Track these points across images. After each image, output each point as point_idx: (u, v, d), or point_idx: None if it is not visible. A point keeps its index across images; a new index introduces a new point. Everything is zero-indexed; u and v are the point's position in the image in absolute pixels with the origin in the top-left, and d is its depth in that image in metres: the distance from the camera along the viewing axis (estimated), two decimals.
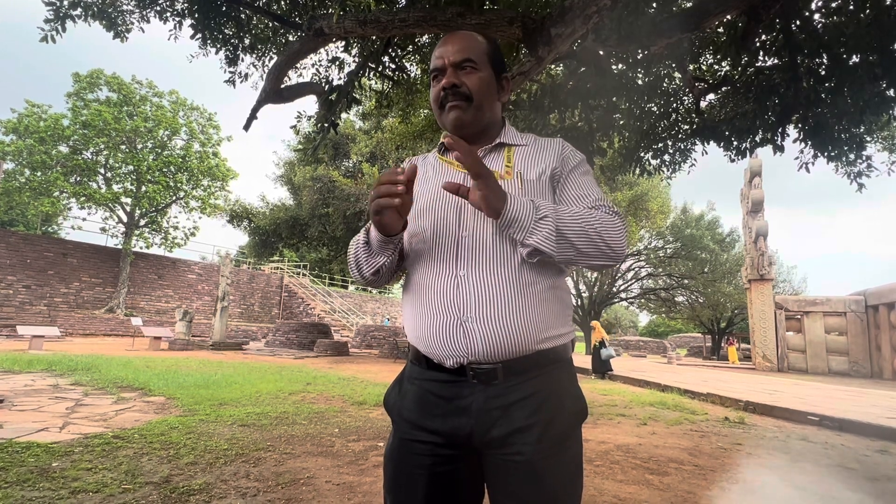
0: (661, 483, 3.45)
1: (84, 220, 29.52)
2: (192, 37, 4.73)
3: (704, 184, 34.41)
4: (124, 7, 4.79)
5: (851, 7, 4.63)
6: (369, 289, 38.43)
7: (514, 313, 0.98)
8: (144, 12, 4.84)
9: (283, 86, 4.78)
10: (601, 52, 4.49)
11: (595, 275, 33.88)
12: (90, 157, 22.21)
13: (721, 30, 5.40)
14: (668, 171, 6.84)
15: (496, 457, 0.99)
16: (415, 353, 1.11)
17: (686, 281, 30.05)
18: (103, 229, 23.16)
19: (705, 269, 28.45)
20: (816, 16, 4.97)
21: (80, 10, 4.39)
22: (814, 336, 18.14)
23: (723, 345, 29.33)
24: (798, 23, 4.72)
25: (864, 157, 5.57)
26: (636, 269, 34.15)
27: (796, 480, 3.68)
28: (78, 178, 21.86)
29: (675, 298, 32.53)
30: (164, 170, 23.31)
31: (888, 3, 4.31)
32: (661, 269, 32.05)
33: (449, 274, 1.02)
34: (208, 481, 2.98)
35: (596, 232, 0.98)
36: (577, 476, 1.02)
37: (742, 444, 4.90)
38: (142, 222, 23.82)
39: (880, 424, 5.67)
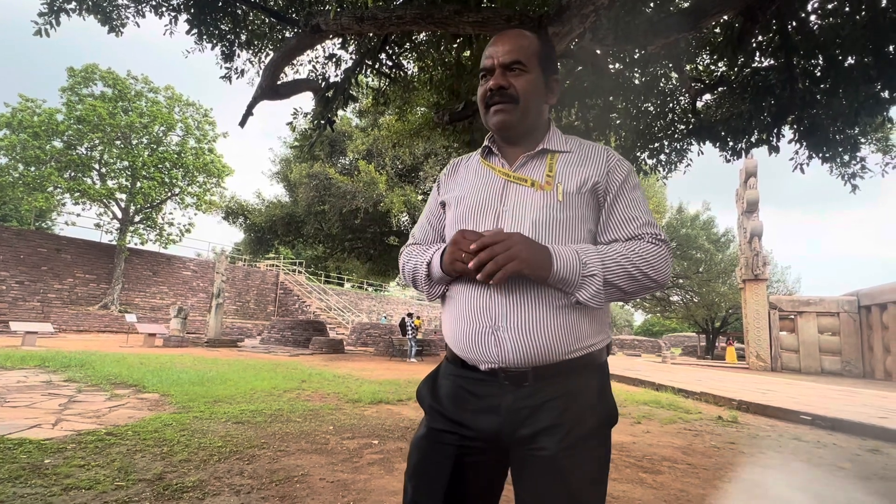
0: (655, 481, 3.47)
1: (78, 215, 29.34)
2: (188, 32, 4.70)
3: (700, 184, 34.55)
4: (119, 1, 4.75)
5: (847, 9, 4.65)
6: (365, 286, 38.38)
7: (544, 325, 1.01)
8: (140, 6, 4.80)
9: (279, 82, 4.75)
10: (598, 52, 4.49)
11: None
12: (85, 152, 22.08)
13: (718, 30, 5.42)
14: (664, 170, 6.85)
15: (522, 453, 1.03)
16: (450, 354, 1.15)
17: (681, 280, 30.16)
18: (98, 225, 23.03)
19: (700, 269, 28.56)
20: (812, 17, 4.99)
21: (74, 3, 4.36)
22: (807, 336, 18.25)
23: (723, 344, 29.47)
24: (794, 24, 4.74)
25: (858, 159, 5.60)
26: None
27: (788, 479, 3.70)
28: (72, 174, 21.73)
29: (670, 298, 32.65)
30: (160, 166, 23.20)
31: (884, 5, 4.34)
32: None
33: (484, 284, 1.03)
34: (202, 478, 2.97)
35: (640, 271, 1.01)
36: (600, 477, 1.04)
37: (735, 442, 4.93)
38: (137, 218, 23.71)
39: (872, 424, 5.71)
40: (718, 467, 3.95)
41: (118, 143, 22.50)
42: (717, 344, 30.29)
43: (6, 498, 2.49)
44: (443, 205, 1.23)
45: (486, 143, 1.20)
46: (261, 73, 4.92)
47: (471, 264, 0.96)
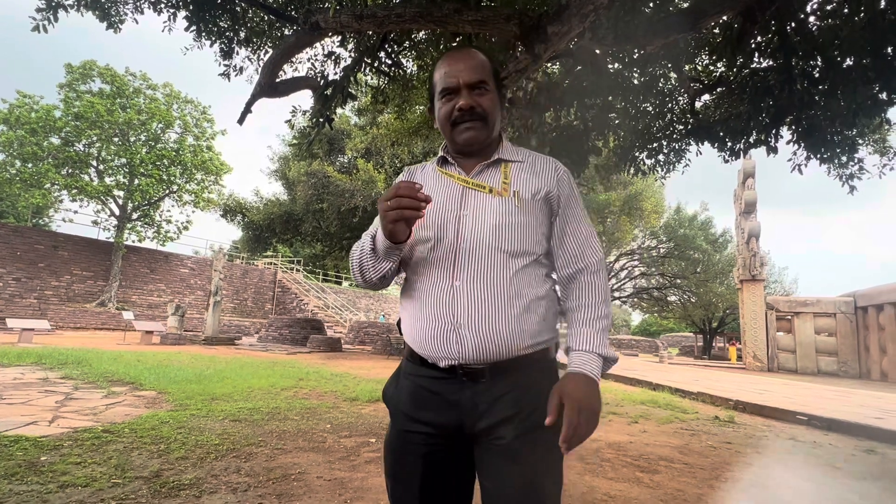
0: (651, 481, 3.48)
1: (76, 212, 29.29)
2: (187, 29, 4.68)
3: (698, 184, 34.58)
4: None
5: (846, 10, 4.66)
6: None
7: (502, 322, 1.07)
8: (138, 3, 4.79)
9: (278, 80, 4.74)
10: (598, 51, 4.49)
11: None
12: (82, 149, 22.00)
13: (717, 31, 5.42)
14: (662, 170, 6.86)
15: (483, 444, 1.09)
16: (410, 352, 1.19)
17: (678, 281, 30.23)
18: (95, 222, 22.99)
19: (698, 269, 28.61)
20: (811, 18, 4.99)
21: None
22: (804, 337, 18.32)
23: (721, 344, 29.54)
24: (793, 25, 4.74)
25: (855, 160, 5.61)
26: (629, 268, 34.28)
27: (784, 479, 3.72)
28: (70, 171, 21.66)
29: (668, 298, 32.72)
30: (158, 163, 23.14)
31: (882, 6, 4.34)
32: (653, 269, 32.22)
33: (446, 283, 1.10)
34: (199, 476, 2.97)
35: (607, 310, 1.16)
36: (555, 461, 1.09)
37: (731, 442, 4.94)
38: (134, 216, 23.66)
39: (868, 424, 5.74)
40: (715, 467, 3.96)
41: (116, 139, 22.43)
42: (714, 344, 30.35)
43: (2, 495, 2.48)
44: None
45: (441, 153, 1.26)
46: (259, 70, 4.91)
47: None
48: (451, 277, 1.10)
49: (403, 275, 1.25)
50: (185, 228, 25.02)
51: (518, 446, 1.05)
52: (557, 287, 1.22)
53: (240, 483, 2.92)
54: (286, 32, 5.52)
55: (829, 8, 4.87)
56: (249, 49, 5.67)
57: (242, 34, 5.52)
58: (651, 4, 3.58)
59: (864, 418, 6.15)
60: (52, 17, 4.29)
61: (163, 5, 4.84)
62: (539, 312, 1.12)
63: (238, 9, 5.11)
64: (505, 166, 1.20)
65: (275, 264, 31.88)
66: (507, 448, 1.05)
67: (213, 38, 5.08)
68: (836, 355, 17.74)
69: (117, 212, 23.12)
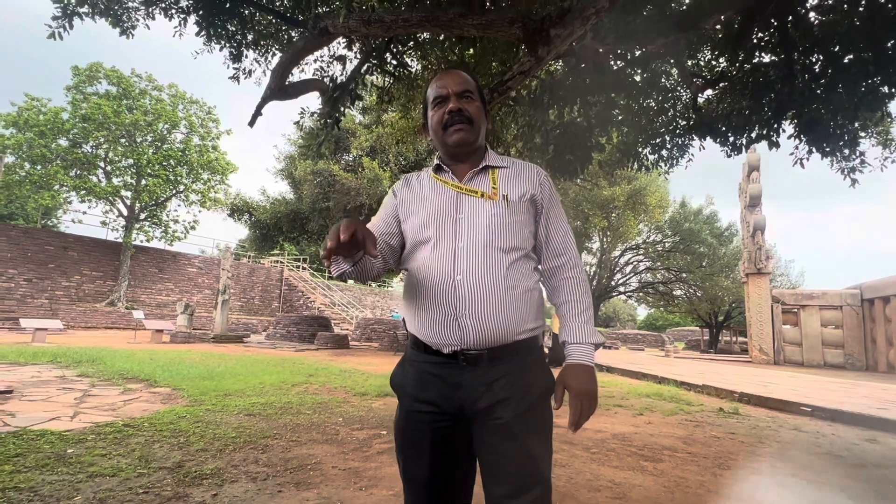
0: (656, 469, 3.58)
1: (84, 213, 29.54)
2: (198, 34, 4.79)
3: (703, 178, 34.51)
4: (130, 4, 4.85)
5: (846, 5, 4.71)
6: (369, 282, 38.54)
7: (499, 311, 1.22)
8: (150, 9, 4.90)
9: (287, 83, 4.85)
10: (600, 50, 4.57)
11: (594, 269, 34.03)
12: (90, 150, 22.22)
13: (718, 27, 5.47)
14: (665, 166, 6.92)
15: (482, 422, 1.23)
16: (414, 340, 1.34)
17: (684, 275, 30.19)
18: (104, 223, 23.23)
19: (703, 263, 28.57)
20: (811, 14, 5.04)
21: (87, 7, 4.46)
22: (810, 329, 18.30)
23: (727, 338, 29.47)
24: (792, 20, 4.80)
25: (858, 153, 5.66)
26: (634, 262, 34.30)
27: (786, 467, 3.80)
28: (78, 172, 21.90)
29: (674, 292, 32.68)
30: (164, 163, 23.33)
31: (882, 1, 4.39)
32: (659, 263, 32.21)
33: (447, 278, 1.24)
34: (219, 466, 3.10)
35: (589, 300, 1.34)
36: (547, 435, 1.27)
37: (735, 433, 5.03)
38: (142, 216, 23.87)
39: (871, 415, 5.80)
40: (718, 456, 4.05)
41: (123, 141, 22.63)
42: (720, 338, 30.30)
43: (36, 484, 2.62)
44: (396, 215, 1.40)
45: (436, 161, 1.42)
46: (269, 74, 5.01)
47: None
48: (452, 272, 1.23)
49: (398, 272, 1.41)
50: (192, 228, 25.23)
51: (515, 425, 1.19)
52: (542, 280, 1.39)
53: (258, 472, 3.04)
54: (294, 35, 5.63)
55: (828, 3, 4.91)
56: (258, 52, 5.78)
57: (251, 37, 5.63)
58: (651, 6, 3.65)
59: (867, 409, 6.21)
60: (67, 25, 4.41)
61: (174, 10, 4.95)
62: (531, 302, 1.27)
63: (246, 13, 5.21)
64: (493, 172, 1.36)
65: (281, 262, 32.09)
66: (505, 427, 1.19)
67: (223, 42, 5.19)
68: (842, 347, 17.72)
69: (125, 212, 23.35)
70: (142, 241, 23.69)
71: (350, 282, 37.05)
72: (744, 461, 3.94)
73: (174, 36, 5.05)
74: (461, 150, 1.36)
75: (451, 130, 1.33)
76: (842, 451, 4.37)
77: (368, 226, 1.35)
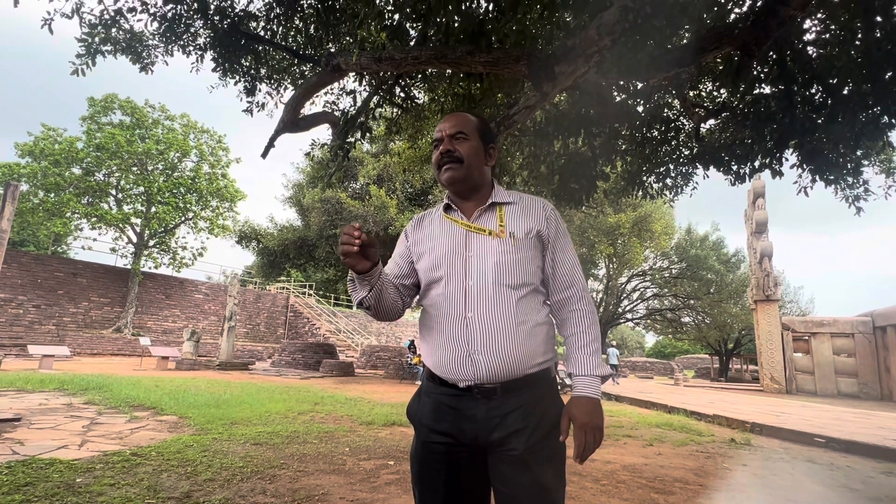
0: (667, 501, 3.52)
1: (95, 240, 30.00)
2: (214, 69, 4.98)
3: (709, 204, 34.58)
4: (150, 42, 5.06)
5: (842, 40, 4.83)
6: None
7: (510, 347, 1.27)
8: (169, 46, 5.11)
9: (299, 117, 5.01)
10: (603, 84, 4.69)
11: (600, 295, 33.85)
12: (102, 178, 22.66)
13: (718, 59, 5.61)
14: (670, 193, 7.00)
15: (496, 453, 1.27)
16: (430, 374, 1.39)
17: (692, 301, 29.93)
18: (113, 249, 23.49)
19: (711, 290, 28.34)
20: (809, 48, 5.17)
21: (109, 45, 4.66)
22: (822, 357, 18.01)
23: (737, 366, 28.96)
24: (791, 55, 4.92)
25: (861, 181, 5.71)
26: (641, 289, 34.09)
27: (801, 500, 3.73)
28: (90, 199, 22.28)
29: (682, 319, 32.33)
30: (174, 191, 23.72)
31: (878, 35, 4.51)
32: (666, 290, 31.97)
33: (459, 316, 1.30)
34: (227, 497, 3.08)
35: (596, 333, 1.36)
36: (560, 465, 1.30)
37: (748, 464, 4.94)
38: (151, 242, 24.14)
39: (887, 446, 5.69)
40: (731, 489, 3.98)
41: (135, 169, 23.08)
42: (731, 366, 29.82)
43: None
44: (409, 256, 1.48)
45: (445, 200, 1.48)
46: (282, 108, 5.17)
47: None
48: (464, 310, 1.29)
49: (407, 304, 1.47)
50: (200, 255, 25.43)
51: (528, 457, 1.23)
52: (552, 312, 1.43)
53: (266, 503, 3.02)
54: (305, 69, 5.82)
55: (825, 37, 5.04)
56: (271, 85, 5.97)
57: (264, 71, 5.83)
58: (652, 42, 3.78)
59: (883, 440, 6.08)
60: (90, 62, 4.60)
61: (191, 48, 5.15)
62: (541, 336, 1.32)
63: (261, 49, 5.41)
64: (500, 209, 1.41)
65: (287, 289, 32.16)
66: (519, 458, 1.23)
67: (238, 77, 5.38)
68: (855, 376, 17.39)
69: (135, 239, 23.64)
70: (150, 268, 23.89)
71: (356, 308, 37.03)
72: (757, 494, 3.87)
73: (191, 72, 5.24)
74: (454, 188, 1.43)
75: (442, 171, 1.41)
76: (858, 485, 4.28)
77: (388, 266, 1.45)
